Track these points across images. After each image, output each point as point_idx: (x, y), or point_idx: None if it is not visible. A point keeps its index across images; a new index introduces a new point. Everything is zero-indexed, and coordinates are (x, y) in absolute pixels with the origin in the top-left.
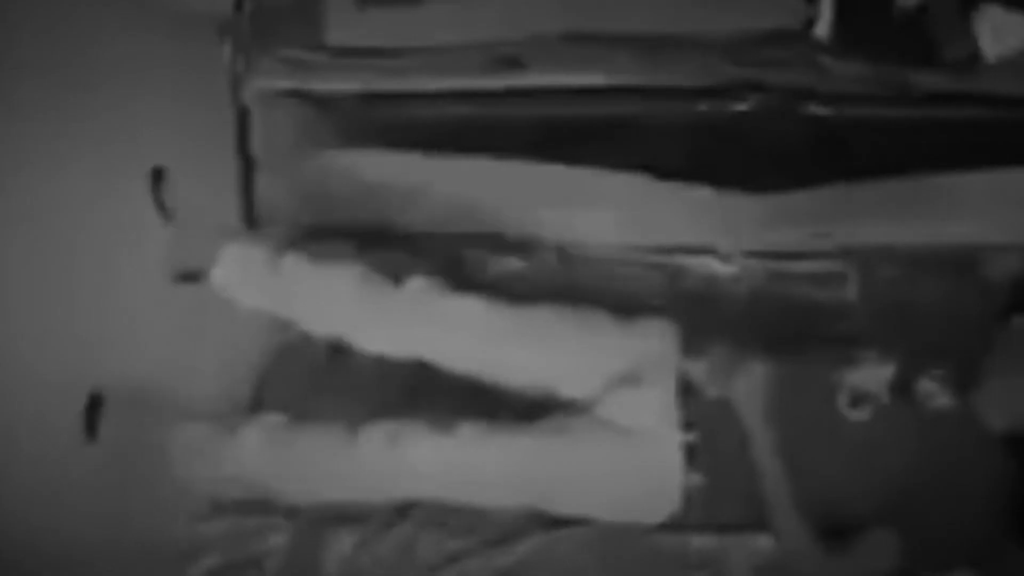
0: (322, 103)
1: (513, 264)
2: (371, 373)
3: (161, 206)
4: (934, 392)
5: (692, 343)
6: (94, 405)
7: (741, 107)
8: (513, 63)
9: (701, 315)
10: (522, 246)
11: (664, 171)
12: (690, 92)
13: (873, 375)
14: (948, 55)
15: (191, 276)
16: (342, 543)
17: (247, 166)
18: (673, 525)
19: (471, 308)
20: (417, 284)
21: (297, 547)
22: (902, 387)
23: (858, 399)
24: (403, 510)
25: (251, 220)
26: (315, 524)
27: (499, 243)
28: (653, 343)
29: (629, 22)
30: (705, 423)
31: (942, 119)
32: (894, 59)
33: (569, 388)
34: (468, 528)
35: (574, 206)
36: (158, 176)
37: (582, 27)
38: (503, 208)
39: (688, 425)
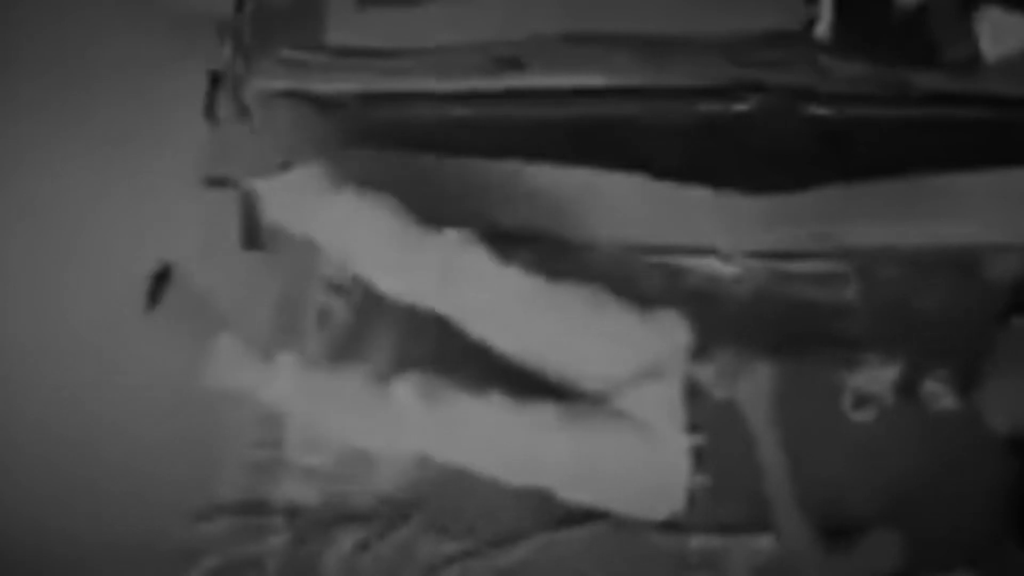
0: (322, 103)
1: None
2: (398, 330)
3: (211, 106)
4: (938, 393)
5: (697, 344)
6: (162, 276)
7: (741, 107)
8: (513, 63)
9: (704, 316)
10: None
11: (664, 171)
12: (690, 92)
13: (876, 376)
14: (948, 56)
15: (221, 181)
16: (342, 543)
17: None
18: (675, 525)
19: (504, 269)
20: (454, 235)
21: (297, 547)
22: (906, 388)
23: (861, 400)
24: (404, 511)
25: (250, 218)
26: (315, 524)
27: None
28: (669, 337)
29: (629, 22)
30: (711, 425)
31: (942, 119)
32: (894, 59)
33: (587, 370)
34: (468, 529)
35: (574, 206)
36: (215, 82)
37: (582, 27)
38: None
39: (695, 427)
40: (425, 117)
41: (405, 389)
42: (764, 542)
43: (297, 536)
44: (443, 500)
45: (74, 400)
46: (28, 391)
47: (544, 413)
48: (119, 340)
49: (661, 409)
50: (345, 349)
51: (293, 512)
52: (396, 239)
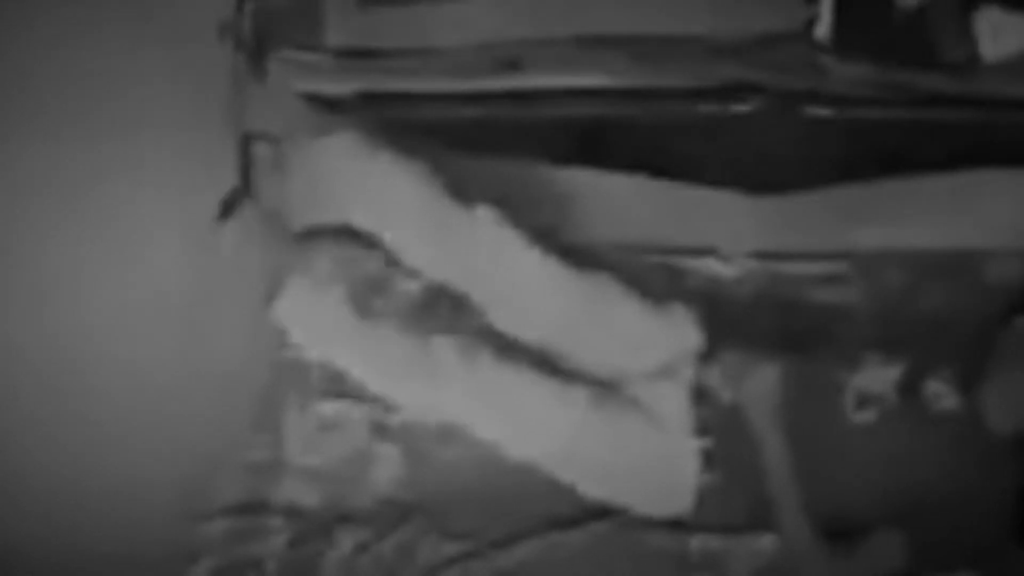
0: (322, 103)
1: None
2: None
3: (258, 64)
4: (941, 393)
5: (703, 346)
6: (235, 196)
7: (741, 108)
8: (513, 64)
9: (707, 318)
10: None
11: (664, 171)
12: (690, 93)
13: (879, 377)
14: (948, 56)
15: (264, 137)
16: (342, 544)
17: (247, 166)
18: (676, 525)
19: (528, 251)
20: (485, 213)
21: (297, 547)
22: (909, 388)
23: (864, 401)
24: (404, 512)
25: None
26: (315, 524)
27: None
28: (681, 336)
29: (629, 23)
30: (717, 426)
31: (943, 120)
32: (894, 61)
33: (600, 360)
34: (468, 531)
35: (574, 206)
36: (262, 41)
37: (582, 28)
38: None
39: (703, 429)
40: (425, 117)
41: (445, 346)
42: (765, 543)
43: (297, 536)
44: (443, 501)
45: (74, 400)
46: (28, 391)
47: (575, 394)
48: (119, 340)
49: (673, 407)
50: None
51: (293, 512)
52: (428, 210)
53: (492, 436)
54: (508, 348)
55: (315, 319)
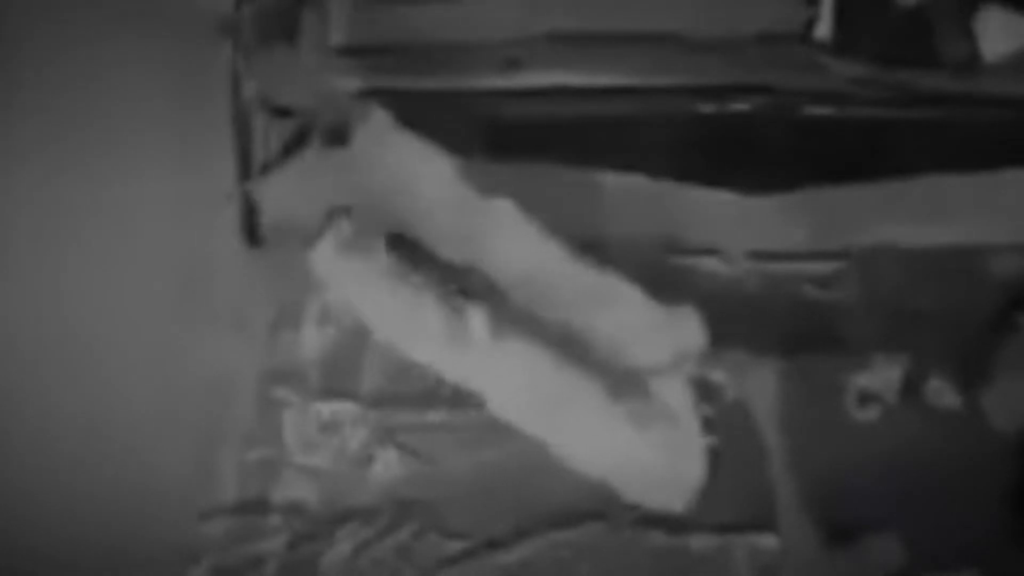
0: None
1: None
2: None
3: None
4: (943, 391)
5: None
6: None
7: (741, 108)
8: (512, 63)
9: (707, 316)
10: None
11: (664, 171)
12: (690, 92)
13: (881, 375)
14: (948, 56)
15: (282, 111)
16: (342, 543)
17: (246, 165)
18: (676, 524)
19: (545, 243)
20: (505, 205)
21: (297, 548)
22: (910, 387)
23: (866, 399)
24: (404, 511)
25: (250, 218)
26: (315, 524)
27: None
28: (688, 333)
29: (629, 22)
30: (721, 424)
31: (942, 120)
32: (894, 60)
33: (610, 354)
34: (468, 530)
35: (573, 206)
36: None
37: (581, 27)
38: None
39: (707, 426)
40: (426, 116)
41: (479, 319)
42: (766, 541)
43: (297, 536)
44: (443, 501)
45: (74, 400)
46: (29, 391)
47: (593, 381)
48: (120, 340)
49: (680, 404)
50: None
51: (293, 512)
52: (453, 195)
53: (510, 414)
54: (534, 329)
55: (351, 265)
